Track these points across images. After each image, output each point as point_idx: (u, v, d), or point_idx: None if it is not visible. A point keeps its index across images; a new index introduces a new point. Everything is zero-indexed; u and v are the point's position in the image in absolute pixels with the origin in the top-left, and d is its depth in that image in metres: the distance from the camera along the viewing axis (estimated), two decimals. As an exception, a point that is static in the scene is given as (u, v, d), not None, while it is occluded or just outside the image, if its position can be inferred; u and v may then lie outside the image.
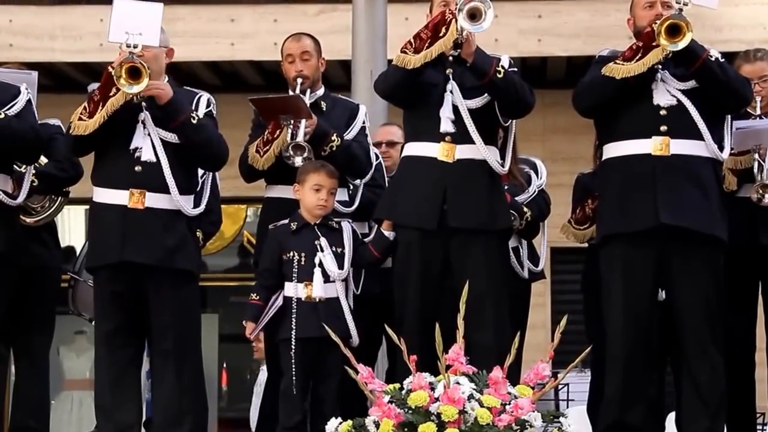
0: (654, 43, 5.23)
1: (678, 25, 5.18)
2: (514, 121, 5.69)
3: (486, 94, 5.47)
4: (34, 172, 6.00)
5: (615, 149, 5.45)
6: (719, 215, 5.36)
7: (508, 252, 5.91)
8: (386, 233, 5.59)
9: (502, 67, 5.40)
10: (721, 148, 5.41)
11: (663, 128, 5.33)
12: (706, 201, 5.31)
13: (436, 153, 5.45)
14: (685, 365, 5.38)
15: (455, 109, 5.45)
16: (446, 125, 5.45)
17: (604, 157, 5.54)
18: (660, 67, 5.34)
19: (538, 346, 5.00)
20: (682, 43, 5.18)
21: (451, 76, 5.45)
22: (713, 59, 5.29)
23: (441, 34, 5.27)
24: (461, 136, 5.42)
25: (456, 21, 5.23)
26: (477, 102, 5.48)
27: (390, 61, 5.69)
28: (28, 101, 5.86)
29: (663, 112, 5.35)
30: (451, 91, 5.46)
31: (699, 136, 5.32)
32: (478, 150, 5.44)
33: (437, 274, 5.47)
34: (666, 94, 5.36)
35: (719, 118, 5.48)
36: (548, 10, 10.42)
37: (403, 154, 5.63)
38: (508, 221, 5.72)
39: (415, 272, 5.44)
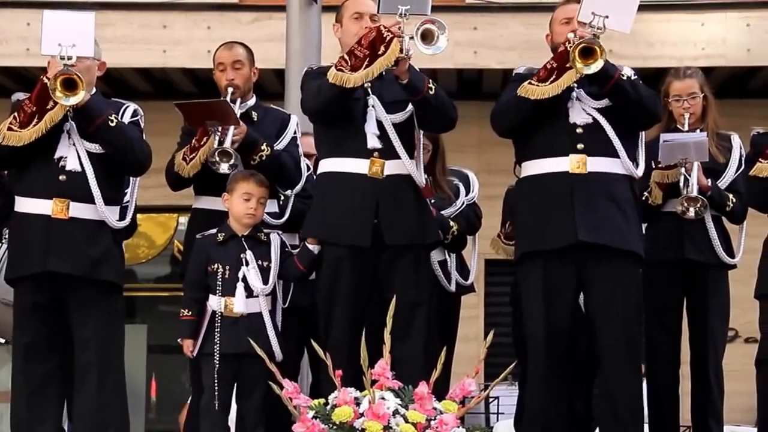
0: (568, 65, 5.24)
1: (591, 48, 5.19)
2: (422, 133, 5.63)
3: (408, 109, 5.44)
4: None
5: (533, 167, 5.46)
6: (636, 231, 5.40)
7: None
8: (311, 247, 5.53)
9: (433, 84, 5.38)
10: (636, 165, 5.44)
11: (579, 146, 5.35)
12: (623, 217, 5.33)
13: (364, 169, 5.39)
14: (602, 379, 5.41)
15: (379, 125, 5.41)
16: (373, 141, 5.40)
17: (522, 175, 5.55)
18: (576, 85, 5.36)
19: (471, 359, 4.99)
20: (594, 66, 5.20)
21: (369, 90, 5.40)
22: (625, 78, 5.31)
23: (380, 52, 5.19)
24: (388, 152, 5.38)
25: (399, 39, 5.16)
26: (400, 116, 5.44)
27: (307, 73, 5.61)
28: None
29: (579, 131, 5.38)
30: (373, 106, 5.41)
31: (615, 154, 5.35)
32: (404, 165, 5.40)
33: (366, 289, 5.43)
34: (582, 112, 5.39)
35: (634, 135, 5.50)
36: (484, 22, 10.47)
37: (322, 170, 5.53)
38: (437, 234, 5.71)
39: (344, 288, 5.39)
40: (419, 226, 5.46)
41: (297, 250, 5.62)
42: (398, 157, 5.38)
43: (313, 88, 5.39)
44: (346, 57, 5.27)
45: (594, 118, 5.36)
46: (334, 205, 5.44)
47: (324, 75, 5.36)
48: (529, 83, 5.34)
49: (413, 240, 5.42)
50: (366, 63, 5.20)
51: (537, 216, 5.40)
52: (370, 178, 5.38)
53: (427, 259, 5.62)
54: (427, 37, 5.15)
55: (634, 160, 5.43)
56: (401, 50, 5.14)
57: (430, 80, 5.38)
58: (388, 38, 5.15)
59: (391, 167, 5.40)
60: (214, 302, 5.52)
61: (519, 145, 5.62)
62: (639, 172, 5.46)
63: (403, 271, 5.39)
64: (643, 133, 5.56)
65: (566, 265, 5.33)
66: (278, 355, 5.46)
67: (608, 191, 5.32)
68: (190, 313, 5.54)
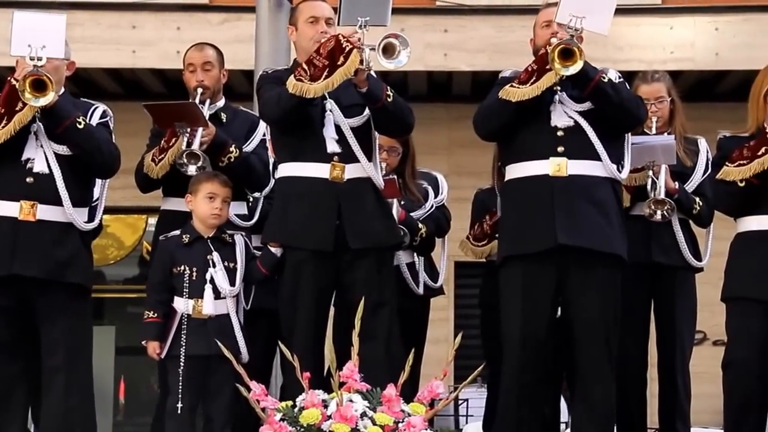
0: (548, 67, 5.26)
1: (571, 50, 5.21)
2: (377, 134, 5.64)
3: (365, 113, 5.44)
4: None
5: (515, 170, 5.47)
6: (619, 233, 5.40)
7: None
8: (273, 250, 5.51)
9: (391, 91, 5.39)
10: (620, 168, 5.45)
11: (560, 149, 5.35)
12: (605, 220, 5.34)
13: (326, 174, 5.38)
14: (580, 383, 5.40)
15: (337, 129, 5.40)
16: (332, 146, 5.39)
17: (506, 178, 5.56)
18: (559, 88, 5.37)
19: (440, 361, 4.98)
20: (573, 68, 5.21)
21: (327, 95, 5.38)
22: (606, 81, 5.33)
23: (339, 63, 5.18)
24: (348, 156, 5.38)
25: (359, 51, 5.15)
26: (357, 120, 5.44)
27: (263, 78, 5.58)
28: None
29: (560, 134, 5.38)
30: (330, 110, 5.40)
31: (596, 157, 5.36)
32: (363, 168, 5.41)
33: (328, 292, 5.44)
34: (563, 115, 5.39)
35: (618, 138, 5.52)
36: (454, 25, 10.48)
37: (282, 174, 5.50)
38: (399, 236, 5.75)
39: (306, 291, 5.38)
40: (381, 228, 5.47)
41: (260, 254, 5.60)
42: (358, 161, 5.39)
43: (273, 97, 5.36)
44: (306, 66, 5.24)
45: (576, 121, 5.37)
46: (296, 209, 5.42)
47: (279, 80, 5.36)
48: (511, 86, 5.36)
49: (376, 243, 5.42)
50: (326, 73, 5.18)
51: (518, 220, 5.41)
52: (332, 182, 5.38)
53: (390, 260, 5.63)
54: (388, 50, 5.16)
55: (618, 162, 5.44)
56: (361, 61, 5.14)
57: (388, 87, 5.38)
58: (347, 49, 5.15)
59: (351, 171, 5.40)
60: (181, 304, 5.49)
61: (503, 147, 5.64)
62: (623, 174, 5.47)
63: (366, 273, 5.39)
64: (628, 135, 5.57)
65: (546, 269, 5.33)
66: (245, 356, 5.45)
67: (589, 194, 5.33)
68: (155, 315, 5.52)
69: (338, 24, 5.30)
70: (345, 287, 5.42)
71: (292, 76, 5.26)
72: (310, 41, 5.42)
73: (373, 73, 5.25)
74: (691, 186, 6.13)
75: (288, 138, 5.45)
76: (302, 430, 4.55)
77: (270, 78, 5.53)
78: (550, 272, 5.34)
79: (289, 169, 5.46)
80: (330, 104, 5.38)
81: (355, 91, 5.32)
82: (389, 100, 5.34)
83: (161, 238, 5.67)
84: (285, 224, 5.44)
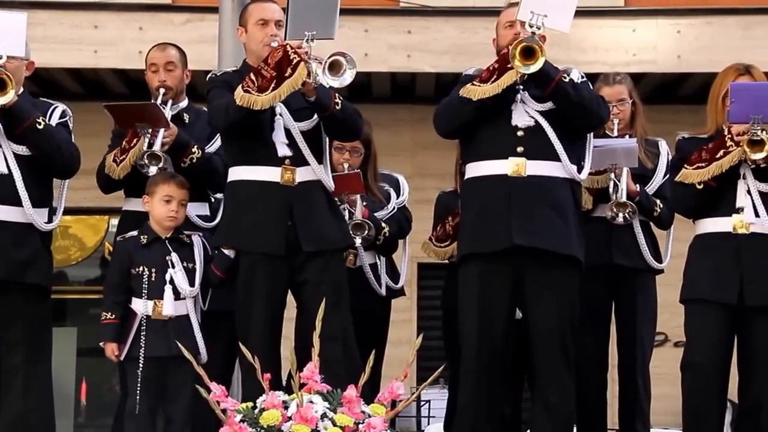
0: (509, 65, 5.26)
1: (532, 48, 5.21)
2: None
3: (315, 116, 5.43)
4: None
5: (475, 169, 5.46)
6: (576, 235, 5.40)
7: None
8: (227, 252, 5.51)
9: (340, 98, 5.40)
10: (580, 169, 5.46)
11: (520, 149, 5.35)
12: (562, 221, 5.34)
13: (276, 177, 5.38)
14: (538, 386, 5.41)
15: (287, 133, 5.40)
16: (283, 149, 5.39)
17: (466, 177, 5.55)
18: (521, 88, 5.37)
19: (403, 362, 4.98)
20: (534, 66, 5.22)
21: None
22: (567, 80, 5.33)
23: (287, 74, 5.17)
24: (299, 159, 5.38)
25: (306, 64, 5.14)
26: (307, 124, 5.44)
27: (211, 81, 5.56)
28: None
29: (520, 133, 5.38)
30: (281, 114, 5.40)
31: (556, 158, 5.36)
32: (313, 171, 5.41)
33: (282, 293, 5.44)
34: (524, 114, 5.39)
35: (580, 138, 5.53)
36: (418, 26, 10.48)
37: (233, 178, 5.48)
38: (350, 238, 5.76)
39: (260, 293, 5.38)
40: (334, 230, 5.47)
41: (214, 257, 5.59)
42: (309, 164, 5.39)
43: (221, 106, 5.34)
44: (253, 77, 5.22)
45: (536, 121, 5.37)
46: (248, 213, 5.41)
47: (228, 84, 5.36)
48: (472, 84, 5.36)
49: (328, 245, 5.43)
50: (273, 85, 5.17)
51: (476, 219, 5.41)
52: (283, 185, 5.38)
53: (341, 260, 5.64)
54: (334, 67, 5.16)
55: (578, 163, 5.44)
56: (308, 74, 5.14)
57: (336, 94, 5.39)
58: (294, 60, 5.14)
59: (303, 174, 5.41)
60: (140, 305, 5.47)
61: (464, 146, 5.63)
62: (582, 175, 5.47)
63: (319, 274, 5.39)
64: (590, 136, 5.58)
65: (503, 269, 5.33)
66: (204, 356, 5.45)
67: (548, 195, 5.33)
68: (113, 316, 5.50)
69: (285, 38, 5.29)
70: (299, 288, 5.42)
71: (240, 87, 5.24)
72: (259, 44, 5.43)
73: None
74: (652, 188, 6.15)
75: (238, 142, 5.44)
76: (262, 431, 4.53)
77: (218, 82, 5.50)
78: (507, 272, 5.34)
79: (239, 173, 5.45)
80: (280, 108, 5.37)
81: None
82: (338, 108, 5.36)
83: (118, 239, 5.66)
84: (237, 228, 5.44)
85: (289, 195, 5.37)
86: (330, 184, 5.50)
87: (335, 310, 5.32)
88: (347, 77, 5.19)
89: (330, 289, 5.35)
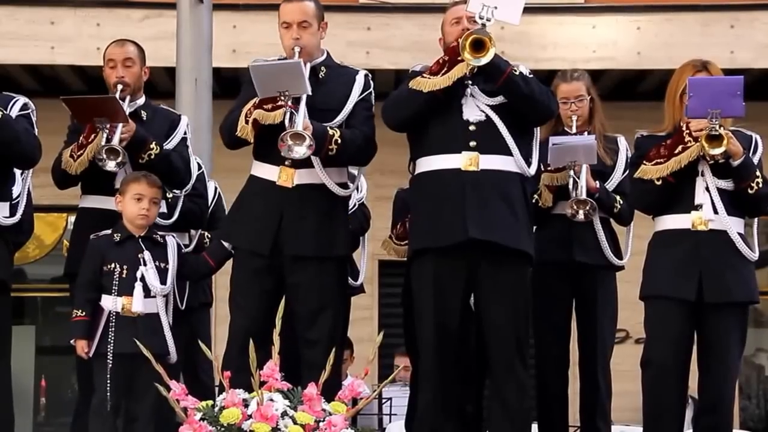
0: (459, 58, 5.25)
1: (482, 41, 5.20)
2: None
3: (332, 119, 5.41)
4: None
5: (426, 164, 5.43)
6: (526, 230, 5.39)
7: (346, 275, 5.84)
8: (225, 244, 5.58)
9: (340, 138, 5.35)
10: (528, 164, 5.45)
11: (472, 144, 5.33)
12: (513, 216, 5.33)
13: (275, 177, 5.39)
14: (493, 382, 5.40)
15: None
16: None
17: (416, 172, 5.52)
18: (470, 82, 5.36)
19: (366, 359, 4.97)
20: (485, 59, 5.20)
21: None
22: (518, 74, 5.32)
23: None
24: (301, 161, 5.33)
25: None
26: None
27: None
28: None
29: (472, 128, 5.35)
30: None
31: (507, 152, 5.35)
32: (317, 174, 5.38)
33: (274, 293, 5.40)
34: (475, 109, 5.37)
35: (528, 134, 5.51)
36: (377, 22, 10.46)
37: (251, 173, 5.54)
38: (346, 248, 5.68)
39: (248, 289, 5.39)
40: (326, 237, 5.43)
41: (208, 246, 5.60)
42: (311, 166, 5.36)
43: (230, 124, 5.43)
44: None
45: (487, 116, 5.35)
46: (245, 208, 5.47)
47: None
48: (422, 76, 5.33)
49: (316, 252, 5.40)
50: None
51: (429, 213, 5.38)
52: (278, 186, 5.38)
53: (335, 267, 5.54)
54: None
55: (526, 159, 5.43)
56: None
57: (336, 134, 5.35)
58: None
59: (303, 176, 5.39)
60: (109, 302, 5.47)
61: (413, 141, 5.59)
62: (531, 170, 5.46)
63: (305, 279, 5.38)
64: (538, 131, 5.57)
65: (457, 264, 5.30)
66: (173, 356, 5.48)
67: (501, 190, 5.31)
68: (84, 313, 5.49)
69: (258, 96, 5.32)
70: (288, 291, 5.42)
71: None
72: (287, 48, 5.45)
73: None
74: (611, 184, 6.16)
75: (258, 137, 5.40)
76: (222, 429, 4.52)
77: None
78: (461, 266, 5.31)
79: (253, 168, 5.52)
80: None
81: (326, 94, 5.38)
82: (331, 153, 5.33)
83: (92, 237, 5.64)
84: (233, 222, 5.53)
85: (283, 196, 5.37)
86: (336, 189, 5.46)
87: (319, 316, 5.34)
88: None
89: (315, 295, 5.35)
